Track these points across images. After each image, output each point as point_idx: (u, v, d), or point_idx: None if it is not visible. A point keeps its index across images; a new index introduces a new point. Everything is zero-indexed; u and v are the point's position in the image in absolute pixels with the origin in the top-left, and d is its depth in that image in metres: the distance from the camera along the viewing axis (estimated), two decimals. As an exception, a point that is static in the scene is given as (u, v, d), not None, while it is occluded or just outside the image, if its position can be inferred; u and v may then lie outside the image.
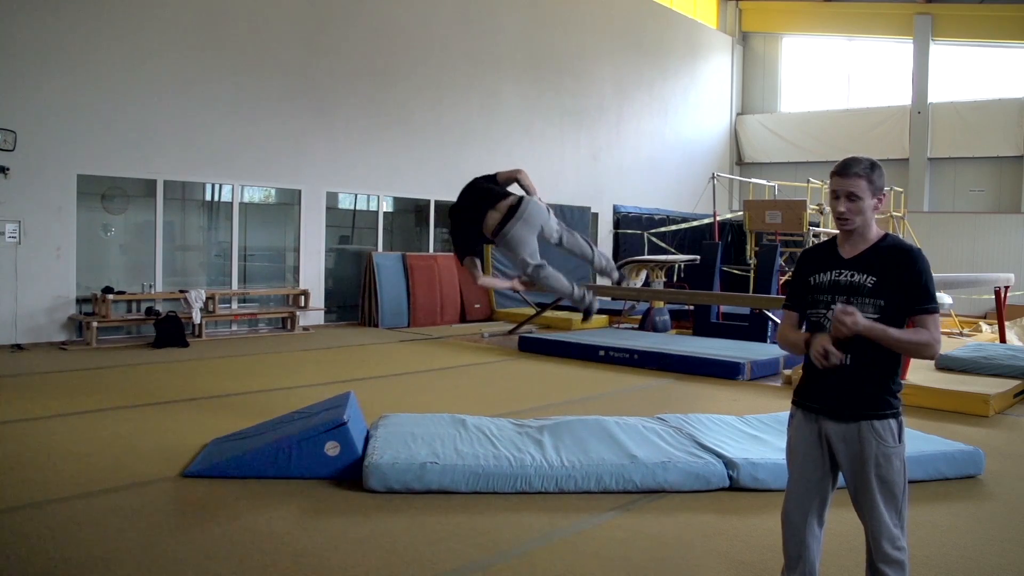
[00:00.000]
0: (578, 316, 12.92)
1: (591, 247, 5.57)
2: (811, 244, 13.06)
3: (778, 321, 10.20)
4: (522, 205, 5.23)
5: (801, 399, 2.77)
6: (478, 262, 5.35)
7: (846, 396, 2.63)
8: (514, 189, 5.57)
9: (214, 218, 11.74)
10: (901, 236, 15.44)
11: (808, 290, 2.73)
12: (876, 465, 2.57)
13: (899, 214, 15.88)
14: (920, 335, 2.55)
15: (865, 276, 2.60)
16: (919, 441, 5.07)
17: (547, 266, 5.25)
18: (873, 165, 2.62)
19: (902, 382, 2.69)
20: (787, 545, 2.79)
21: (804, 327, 2.78)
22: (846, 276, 2.63)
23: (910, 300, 2.55)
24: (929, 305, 2.55)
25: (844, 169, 2.61)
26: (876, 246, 2.63)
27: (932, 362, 8.28)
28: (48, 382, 7.42)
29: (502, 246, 5.22)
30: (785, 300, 2.89)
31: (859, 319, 2.50)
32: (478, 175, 5.69)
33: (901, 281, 2.55)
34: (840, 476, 2.74)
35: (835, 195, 2.64)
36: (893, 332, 2.53)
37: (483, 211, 5.25)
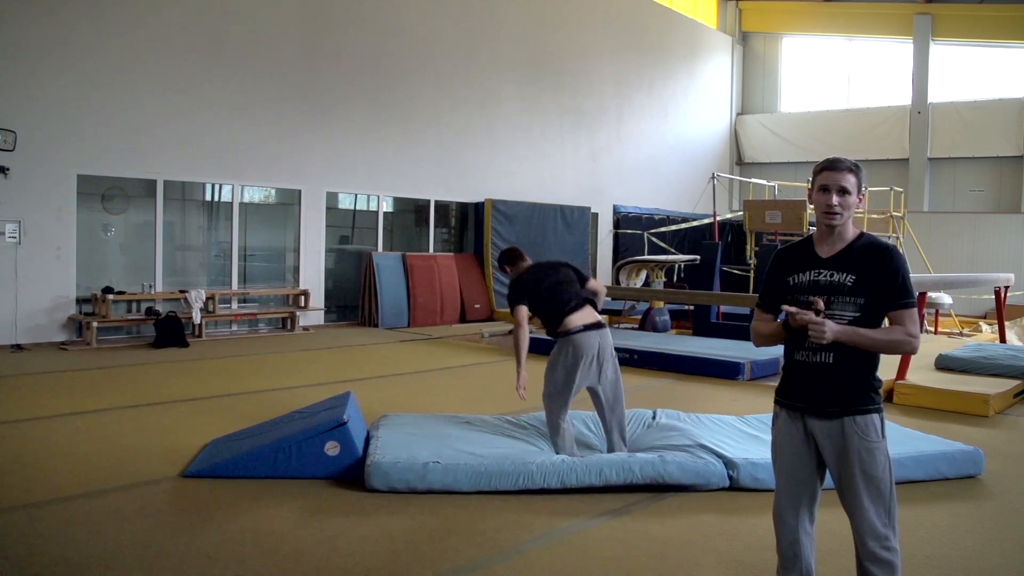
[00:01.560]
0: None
1: (623, 442, 4.98)
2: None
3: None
4: (606, 329, 4.98)
5: (784, 398, 2.78)
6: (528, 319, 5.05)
7: (829, 392, 2.65)
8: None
9: (214, 218, 11.74)
10: (899, 237, 15.51)
11: (787, 290, 2.74)
12: (860, 460, 2.59)
13: (899, 214, 15.87)
14: (894, 333, 2.59)
15: (844, 275, 2.62)
16: (919, 441, 5.08)
17: (566, 421, 4.89)
18: (858, 165, 2.69)
19: (880, 378, 2.72)
20: (781, 545, 2.79)
21: (785, 326, 2.78)
22: (825, 276, 2.65)
23: (887, 297, 2.59)
24: (905, 300, 2.59)
25: (835, 164, 2.65)
26: (852, 245, 2.67)
27: (932, 362, 8.28)
28: (48, 382, 7.41)
29: (565, 345, 4.85)
30: (759, 299, 2.88)
31: (828, 334, 2.53)
32: (566, 262, 5.31)
33: (879, 278, 2.59)
34: (828, 474, 2.76)
35: (824, 189, 2.65)
36: (867, 333, 2.57)
37: (573, 308, 4.90)
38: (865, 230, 2.82)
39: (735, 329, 11.08)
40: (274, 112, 11.74)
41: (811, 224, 12.85)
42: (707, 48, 20.96)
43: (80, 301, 10.03)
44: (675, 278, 14.95)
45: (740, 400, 7.28)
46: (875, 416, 2.63)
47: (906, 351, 2.64)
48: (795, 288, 2.71)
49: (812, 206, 2.76)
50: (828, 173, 2.65)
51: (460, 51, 14.36)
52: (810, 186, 2.77)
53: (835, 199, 2.62)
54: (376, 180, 13.17)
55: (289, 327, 11.75)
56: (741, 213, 14.66)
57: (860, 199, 2.68)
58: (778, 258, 2.84)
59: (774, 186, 16.78)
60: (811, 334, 2.56)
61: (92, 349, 9.41)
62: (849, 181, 2.63)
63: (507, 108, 15.27)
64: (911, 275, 2.70)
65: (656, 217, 18.37)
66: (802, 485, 2.74)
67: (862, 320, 2.60)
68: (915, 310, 2.62)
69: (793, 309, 2.60)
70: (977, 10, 18.78)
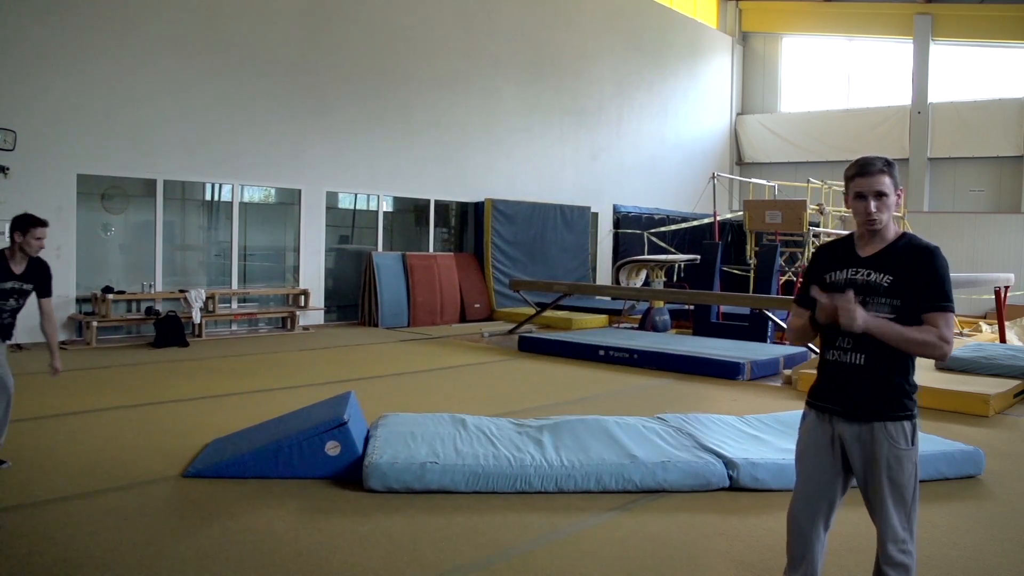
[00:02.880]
0: (580, 316, 12.95)
1: None
2: (811, 244, 13.06)
3: (778, 321, 10.21)
4: None
5: (815, 400, 2.74)
6: None
7: (860, 397, 2.61)
8: None
9: (214, 218, 11.74)
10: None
11: (823, 287, 2.68)
12: (888, 467, 2.56)
13: (899, 214, 15.87)
14: (926, 333, 2.50)
15: (882, 275, 2.57)
16: (919, 441, 5.07)
17: None
18: (889, 162, 2.61)
19: (916, 383, 2.65)
20: (791, 546, 2.77)
21: (811, 321, 2.72)
22: (863, 275, 2.61)
23: (923, 298, 2.52)
24: (941, 303, 2.51)
25: (866, 168, 2.58)
26: (893, 245, 2.60)
27: (932, 362, 8.28)
28: (48, 382, 7.39)
29: None
30: (796, 295, 2.86)
31: (858, 319, 2.47)
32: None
33: (917, 280, 2.52)
34: (852, 480, 2.72)
35: (860, 196, 2.59)
36: (898, 328, 2.50)
37: None
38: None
39: (735, 329, 11.09)
40: (274, 112, 11.74)
41: (812, 224, 12.85)
42: (707, 48, 20.96)
43: (80, 301, 10.03)
44: (675, 278, 14.95)
45: (740, 400, 7.28)
46: (906, 423, 2.58)
47: (935, 355, 2.54)
48: (831, 286, 2.66)
49: (850, 211, 2.69)
50: (861, 180, 2.58)
51: (460, 51, 14.36)
52: (844, 191, 2.70)
53: (873, 206, 2.57)
54: (376, 180, 13.17)
55: (289, 327, 11.76)
56: (741, 213, 14.66)
57: (898, 196, 2.60)
58: (817, 255, 2.82)
59: (774, 186, 16.78)
60: (841, 318, 2.49)
61: (92, 349, 9.40)
62: (884, 184, 2.56)
63: (507, 108, 15.27)
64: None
65: (656, 217, 18.37)
66: (822, 489, 2.70)
67: (896, 322, 2.53)
68: (951, 315, 2.52)
69: (823, 295, 2.56)
70: (977, 10, 18.78)
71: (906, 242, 2.60)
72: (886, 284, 2.56)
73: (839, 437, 2.66)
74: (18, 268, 4.71)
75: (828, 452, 2.68)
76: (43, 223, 4.71)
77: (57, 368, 4.91)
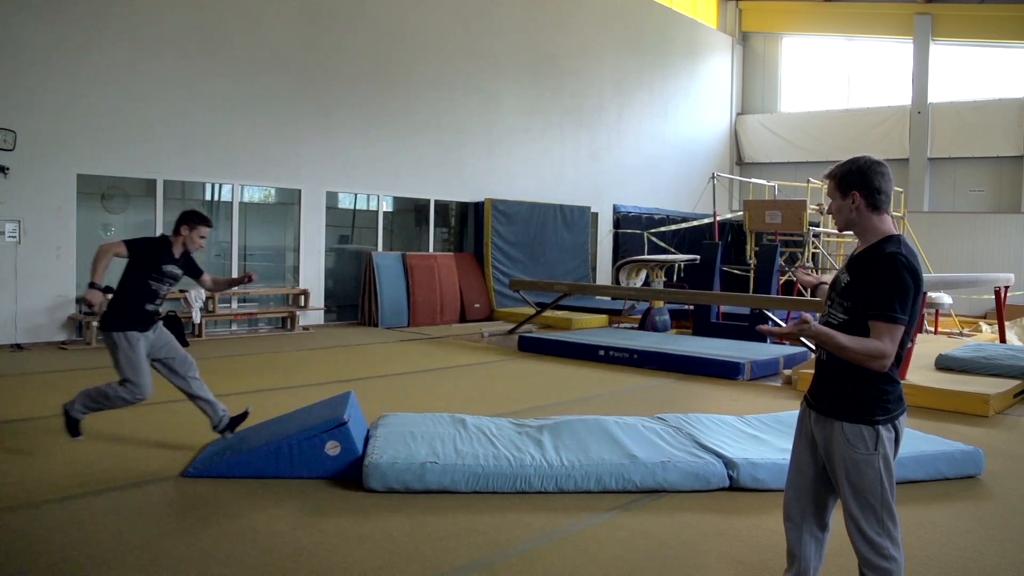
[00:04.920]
0: (580, 316, 12.96)
1: None
2: (811, 244, 13.06)
3: (778, 321, 10.23)
4: None
5: (806, 392, 2.82)
6: None
7: (822, 392, 2.65)
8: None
9: (214, 218, 11.73)
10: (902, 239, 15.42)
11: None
12: (846, 469, 2.55)
13: (899, 214, 15.87)
14: (866, 344, 2.42)
15: (847, 275, 2.62)
16: (919, 441, 5.08)
17: None
18: (845, 166, 2.62)
19: (895, 387, 2.56)
20: (787, 540, 2.81)
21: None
22: (843, 273, 2.67)
23: (870, 303, 2.46)
24: (881, 312, 2.42)
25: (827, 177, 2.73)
26: (870, 246, 2.61)
27: (931, 362, 8.28)
28: (48, 382, 7.41)
29: None
30: None
31: (808, 325, 2.41)
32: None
33: (868, 285, 2.49)
34: None
35: None
36: (838, 339, 2.44)
37: None
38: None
39: (735, 329, 11.09)
40: (274, 112, 11.74)
41: (811, 224, 12.86)
42: (707, 48, 20.96)
43: (80, 300, 10.02)
44: (675, 278, 14.95)
45: (740, 400, 7.28)
46: (866, 428, 2.51)
47: (870, 366, 2.45)
48: (833, 282, 2.78)
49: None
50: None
51: (460, 51, 14.36)
52: None
53: (826, 209, 2.77)
54: (376, 180, 13.17)
55: (289, 327, 11.76)
56: (741, 213, 14.66)
57: (852, 199, 2.58)
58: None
59: (774, 186, 16.78)
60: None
61: (92, 348, 9.40)
62: (829, 189, 2.69)
63: (507, 108, 15.27)
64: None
65: (656, 217, 18.37)
66: (808, 482, 2.73)
67: (849, 324, 2.52)
68: (894, 326, 2.42)
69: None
70: (977, 10, 18.78)
71: (876, 246, 2.57)
72: (843, 285, 2.60)
73: (813, 430, 2.70)
74: (177, 254, 5.05)
75: (809, 443, 2.73)
76: (210, 224, 5.08)
77: (242, 278, 5.34)
